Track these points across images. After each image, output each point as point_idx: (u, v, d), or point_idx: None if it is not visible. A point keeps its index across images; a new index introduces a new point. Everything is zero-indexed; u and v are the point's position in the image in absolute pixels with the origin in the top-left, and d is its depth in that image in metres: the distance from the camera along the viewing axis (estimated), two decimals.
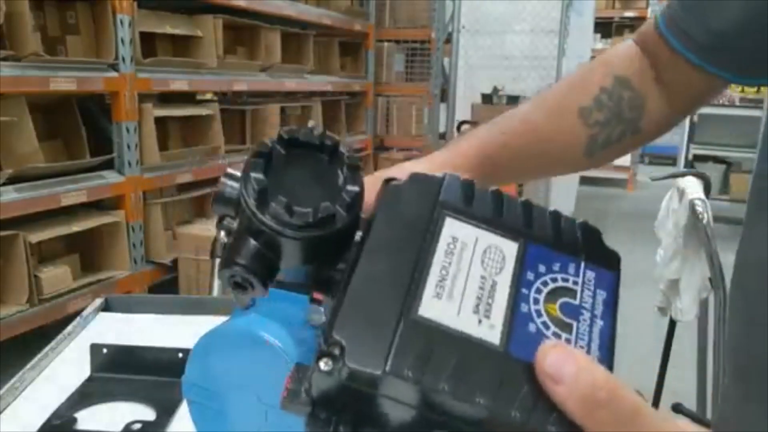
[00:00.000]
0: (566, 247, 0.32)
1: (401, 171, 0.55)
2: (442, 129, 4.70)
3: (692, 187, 1.86)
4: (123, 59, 2.54)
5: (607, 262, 0.32)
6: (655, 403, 1.86)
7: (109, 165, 2.63)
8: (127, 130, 2.62)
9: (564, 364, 0.27)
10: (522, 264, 0.31)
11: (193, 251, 2.78)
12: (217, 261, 1.12)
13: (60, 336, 0.81)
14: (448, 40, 4.54)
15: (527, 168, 0.70)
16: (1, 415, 0.62)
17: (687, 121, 5.30)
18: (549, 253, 0.31)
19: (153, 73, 2.71)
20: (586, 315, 0.30)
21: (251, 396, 0.48)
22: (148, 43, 2.80)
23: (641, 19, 7.02)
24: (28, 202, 2.23)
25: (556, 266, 0.31)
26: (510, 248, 0.31)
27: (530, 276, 0.30)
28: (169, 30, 2.85)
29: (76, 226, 2.43)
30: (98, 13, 2.57)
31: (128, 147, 2.63)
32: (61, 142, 2.65)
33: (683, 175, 1.95)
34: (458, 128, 4.07)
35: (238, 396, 0.48)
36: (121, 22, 2.53)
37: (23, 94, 2.32)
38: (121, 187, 2.62)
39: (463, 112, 4.30)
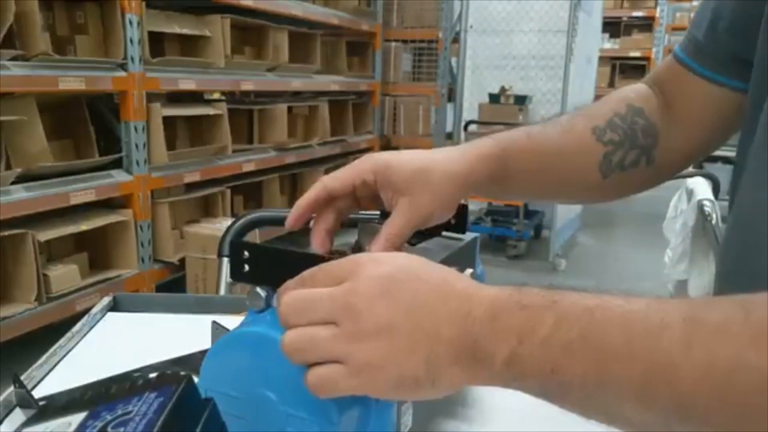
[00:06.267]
0: None
1: (399, 156, 0.58)
2: (449, 129, 4.69)
3: (701, 187, 1.85)
4: (131, 59, 2.55)
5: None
6: None
7: (117, 164, 2.64)
8: (136, 130, 2.63)
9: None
10: None
11: (200, 250, 2.79)
12: (224, 260, 1.12)
13: (68, 334, 0.81)
14: (456, 40, 4.53)
15: (539, 180, 0.68)
16: (9, 414, 0.62)
17: None
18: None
19: (161, 73, 2.71)
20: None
21: (271, 400, 0.48)
22: (157, 43, 2.81)
23: (650, 18, 6.98)
24: (36, 200, 2.24)
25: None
26: None
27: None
28: (177, 30, 2.86)
29: (85, 225, 2.44)
30: (107, 12, 2.59)
31: (136, 146, 2.64)
32: (70, 141, 2.67)
33: (692, 175, 1.94)
34: (465, 128, 4.06)
35: (257, 400, 0.48)
36: (130, 22, 2.54)
37: (33, 93, 2.33)
38: (130, 187, 2.63)
39: (470, 112, 4.29)
